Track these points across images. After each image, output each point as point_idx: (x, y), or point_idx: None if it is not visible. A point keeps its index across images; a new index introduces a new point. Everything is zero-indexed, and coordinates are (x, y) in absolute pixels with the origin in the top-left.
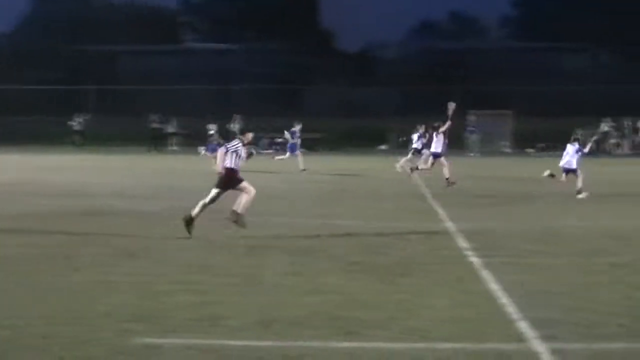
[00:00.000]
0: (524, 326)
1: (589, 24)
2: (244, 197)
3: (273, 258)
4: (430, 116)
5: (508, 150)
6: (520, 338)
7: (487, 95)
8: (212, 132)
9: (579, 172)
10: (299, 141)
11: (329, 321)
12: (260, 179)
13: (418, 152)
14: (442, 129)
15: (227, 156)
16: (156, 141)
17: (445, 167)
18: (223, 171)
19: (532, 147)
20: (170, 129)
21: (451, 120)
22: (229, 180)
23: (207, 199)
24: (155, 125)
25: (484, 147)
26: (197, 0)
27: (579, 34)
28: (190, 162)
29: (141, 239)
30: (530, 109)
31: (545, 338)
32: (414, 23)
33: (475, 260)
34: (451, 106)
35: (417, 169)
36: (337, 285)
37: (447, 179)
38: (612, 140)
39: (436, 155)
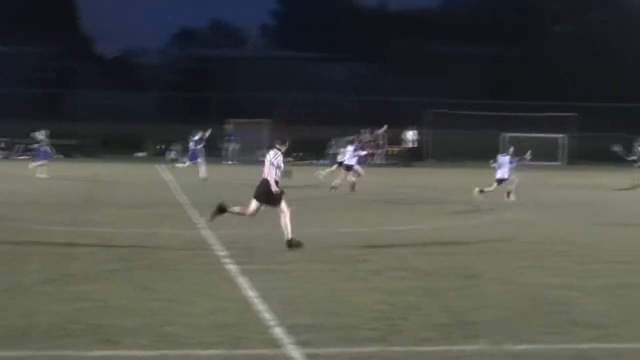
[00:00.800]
0: (279, 332)
1: (346, 36)
2: (284, 221)
3: (28, 265)
4: (189, 124)
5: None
6: (276, 344)
7: (246, 104)
8: (41, 137)
9: (511, 178)
10: (200, 149)
11: (85, 329)
12: (13, 185)
13: (349, 167)
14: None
15: (268, 169)
16: None
17: (360, 176)
18: (277, 188)
19: (289, 156)
20: None
21: (373, 138)
22: (270, 194)
23: (248, 211)
24: None
25: (242, 155)
26: None
27: (336, 45)
28: None
29: None
30: (289, 117)
31: (301, 343)
32: (174, 30)
33: (232, 267)
34: (383, 128)
35: (334, 188)
36: (93, 292)
37: (353, 184)
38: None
39: (349, 167)
